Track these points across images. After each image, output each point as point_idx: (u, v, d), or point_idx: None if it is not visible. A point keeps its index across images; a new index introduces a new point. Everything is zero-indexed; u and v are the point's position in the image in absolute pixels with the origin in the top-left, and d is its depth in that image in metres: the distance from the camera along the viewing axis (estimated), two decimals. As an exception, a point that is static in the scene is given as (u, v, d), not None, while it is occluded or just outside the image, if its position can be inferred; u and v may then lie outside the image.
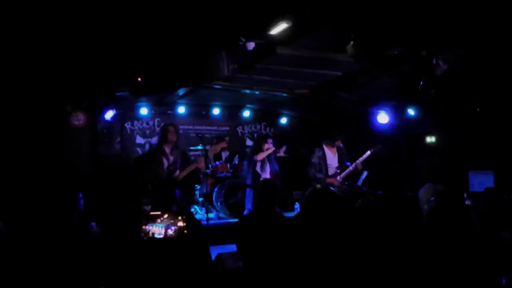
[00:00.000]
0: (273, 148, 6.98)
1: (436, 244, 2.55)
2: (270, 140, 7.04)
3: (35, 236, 3.27)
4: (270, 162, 7.01)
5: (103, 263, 3.44)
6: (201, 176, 7.45)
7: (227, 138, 8.77)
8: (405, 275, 2.56)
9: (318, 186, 6.29)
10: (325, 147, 6.51)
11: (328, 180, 6.34)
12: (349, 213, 2.70)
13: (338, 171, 6.48)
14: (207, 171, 7.85)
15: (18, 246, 3.24)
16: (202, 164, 6.29)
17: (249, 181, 7.08)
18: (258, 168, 6.91)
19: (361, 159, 6.45)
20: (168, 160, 6.11)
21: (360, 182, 6.79)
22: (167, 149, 6.12)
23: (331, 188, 5.11)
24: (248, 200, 7.12)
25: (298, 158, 8.04)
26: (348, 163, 6.53)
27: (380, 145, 6.54)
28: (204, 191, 7.42)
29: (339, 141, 6.61)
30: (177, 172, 6.04)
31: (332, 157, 6.52)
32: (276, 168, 7.07)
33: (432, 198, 2.73)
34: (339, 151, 6.61)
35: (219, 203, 7.73)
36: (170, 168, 6.05)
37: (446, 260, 2.49)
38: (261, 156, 6.88)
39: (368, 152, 6.47)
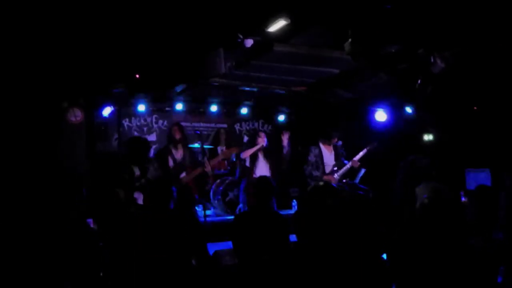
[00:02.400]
0: (261, 145, 6.67)
1: (426, 242, 2.56)
2: (262, 134, 6.81)
3: (36, 234, 3.26)
4: (266, 158, 6.77)
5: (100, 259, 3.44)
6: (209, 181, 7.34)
7: (222, 131, 8.72)
8: (396, 273, 2.57)
9: (321, 183, 6.26)
10: (321, 145, 6.51)
11: (325, 177, 6.35)
12: (345, 210, 2.71)
13: (335, 168, 6.49)
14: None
15: (18, 245, 3.24)
16: (208, 168, 6.28)
17: (237, 176, 6.98)
18: (247, 164, 6.70)
19: (357, 156, 6.47)
20: (174, 159, 6.13)
21: (357, 180, 6.80)
22: (173, 149, 6.14)
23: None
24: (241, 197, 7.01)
25: (295, 156, 8.03)
26: (346, 161, 6.54)
27: (376, 142, 6.55)
28: (202, 188, 7.42)
29: (335, 139, 6.60)
30: (183, 174, 6.05)
31: (328, 155, 6.53)
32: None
33: (425, 196, 2.73)
34: (335, 149, 6.61)
35: (216, 200, 7.73)
36: (176, 167, 6.07)
37: (436, 258, 2.50)
38: (247, 153, 6.69)
39: (365, 150, 6.49)
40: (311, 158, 6.41)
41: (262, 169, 6.67)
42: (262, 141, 6.67)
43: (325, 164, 6.46)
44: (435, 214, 2.64)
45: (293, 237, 3.59)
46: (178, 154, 6.17)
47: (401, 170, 3.64)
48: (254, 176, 6.46)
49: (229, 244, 3.88)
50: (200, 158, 6.63)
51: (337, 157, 6.57)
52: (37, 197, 3.80)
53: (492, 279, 2.65)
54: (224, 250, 4.30)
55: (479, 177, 6.47)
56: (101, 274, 3.39)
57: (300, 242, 2.66)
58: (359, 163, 6.52)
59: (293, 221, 2.88)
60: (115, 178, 5.52)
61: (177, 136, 6.21)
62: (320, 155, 6.43)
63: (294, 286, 2.44)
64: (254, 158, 6.67)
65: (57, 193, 3.54)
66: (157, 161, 5.83)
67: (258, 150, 6.70)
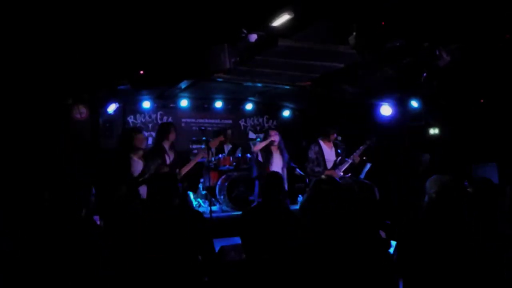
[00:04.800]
0: (271, 139, 6.62)
1: (431, 236, 2.54)
2: (273, 132, 6.76)
3: (41, 231, 3.27)
4: (281, 154, 6.72)
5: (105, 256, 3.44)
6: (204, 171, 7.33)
7: (229, 131, 8.74)
8: (402, 267, 2.56)
9: (323, 177, 6.25)
10: (321, 142, 6.50)
11: (327, 172, 6.33)
12: (349, 205, 2.69)
13: (337, 164, 6.48)
14: (211, 164, 7.86)
15: (24, 241, 3.24)
16: (205, 155, 6.26)
17: (254, 173, 6.98)
18: (260, 158, 6.68)
19: (358, 151, 6.48)
20: (169, 158, 6.12)
21: (363, 175, 6.79)
22: (167, 147, 6.13)
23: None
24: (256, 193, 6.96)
25: (300, 151, 8.03)
26: (346, 158, 6.53)
27: (374, 138, 6.56)
28: (207, 184, 7.43)
29: (334, 135, 6.58)
30: (177, 170, 6.04)
31: (329, 152, 6.51)
32: (286, 159, 6.78)
33: (432, 190, 2.71)
34: (335, 145, 6.60)
35: (222, 196, 7.75)
36: (171, 165, 6.06)
37: (443, 253, 2.48)
38: (257, 147, 6.71)
39: (364, 145, 6.51)
40: (311, 155, 6.41)
41: (278, 165, 6.65)
42: (273, 138, 6.65)
43: (326, 160, 6.45)
44: (443, 209, 2.62)
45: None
46: (170, 153, 6.16)
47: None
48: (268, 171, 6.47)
49: (235, 240, 3.88)
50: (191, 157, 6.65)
51: (338, 153, 6.56)
52: (42, 195, 3.81)
53: (497, 274, 2.63)
54: (230, 246, 4.30)
55: (485, 171, 6.44)
56: (106, 271, 3.40)
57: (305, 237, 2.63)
58: (359, 158, 6.52)
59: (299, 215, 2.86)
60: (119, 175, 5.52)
61: (174, 138, 6.19)
62: (320, 152, 6.43)
63: (299, 282, 2.43)
64: (269, 154, 6.65)
65: (62, 191, 3.54)
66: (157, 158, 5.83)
67: (272, 146, 6.67)
